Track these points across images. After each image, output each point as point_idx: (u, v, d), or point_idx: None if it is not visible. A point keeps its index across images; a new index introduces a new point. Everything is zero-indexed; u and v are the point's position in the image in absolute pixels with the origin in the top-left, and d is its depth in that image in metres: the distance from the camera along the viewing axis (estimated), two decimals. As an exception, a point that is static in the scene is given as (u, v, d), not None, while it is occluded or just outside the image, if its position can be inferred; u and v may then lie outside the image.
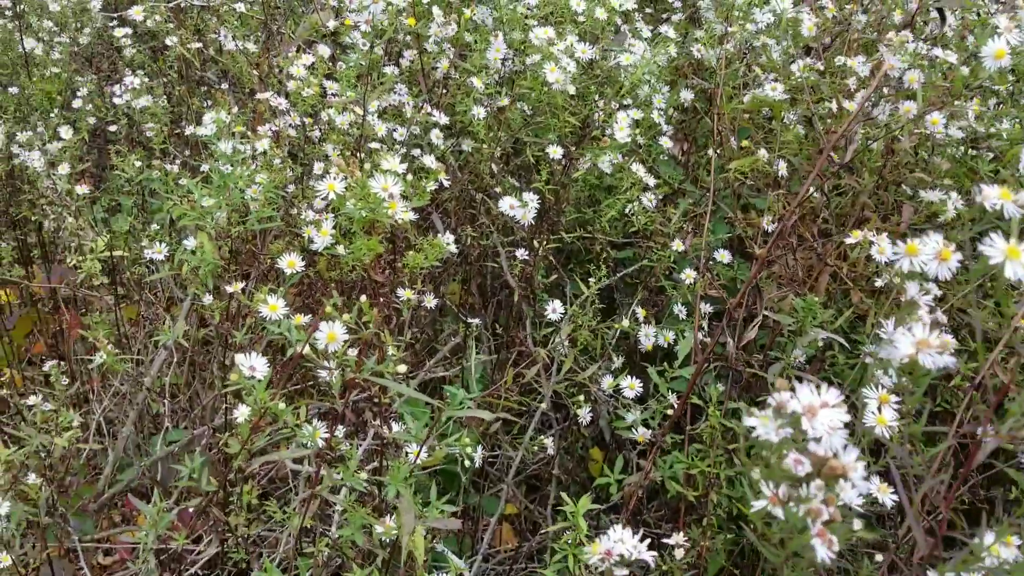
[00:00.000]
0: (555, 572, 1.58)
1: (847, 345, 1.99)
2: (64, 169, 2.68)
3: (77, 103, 3.01)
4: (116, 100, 2.50)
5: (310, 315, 1.52)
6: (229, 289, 1.56)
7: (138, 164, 2.77)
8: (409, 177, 1.43)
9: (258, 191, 1.82)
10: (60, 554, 2.33)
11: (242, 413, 1.44)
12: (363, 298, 1.39)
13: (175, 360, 2.83)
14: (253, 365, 1.28)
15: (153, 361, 2.77)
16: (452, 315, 2.67)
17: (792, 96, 2.06)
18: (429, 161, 1.60)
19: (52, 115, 3.09)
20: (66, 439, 2.10)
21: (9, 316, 3.49)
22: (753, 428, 0.80)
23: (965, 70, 1.65)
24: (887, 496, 0.95)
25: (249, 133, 1.93)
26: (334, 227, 1.48)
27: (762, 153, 1.99)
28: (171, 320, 2.98)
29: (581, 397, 2.04)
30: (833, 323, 2.02)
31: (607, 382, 2.06)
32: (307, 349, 1.39)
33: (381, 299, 1.49)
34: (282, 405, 1.42)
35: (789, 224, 1.70)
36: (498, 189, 2.37)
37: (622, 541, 0.96)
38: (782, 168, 2.02)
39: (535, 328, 2.53)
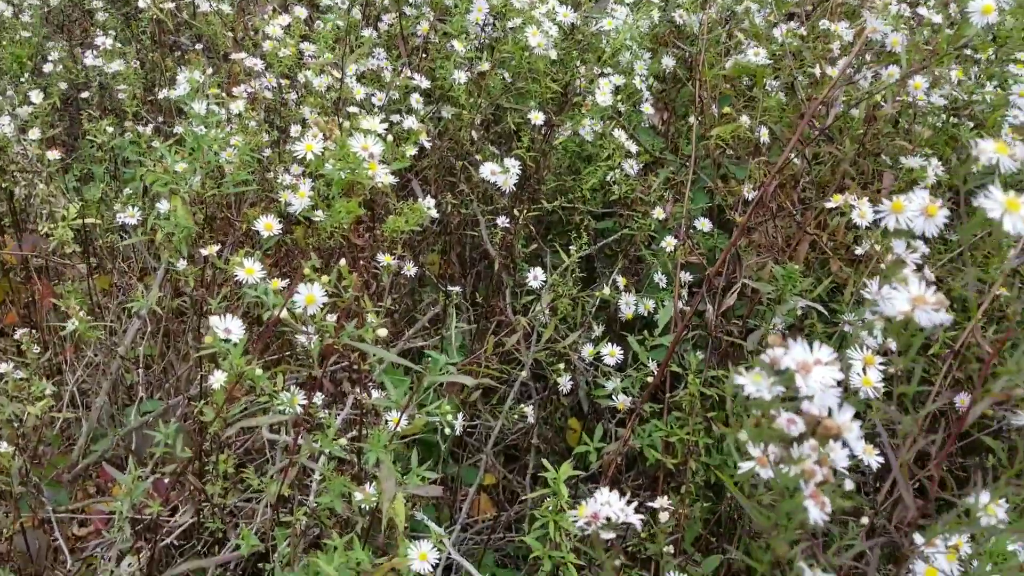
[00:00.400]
0: (535, 539, 1.57)
1: (826, 313, 1.99)
2: (35, 134, 2.62)
3: (48, 67, 2.95)
4: (88, 62, 2.43)
5: (287, 281, 1.50)
6: (204, 252, 1.53)
7: (110, 130, 2.72)
8: (389, 139, 1.40)
9: (233, 154, 1.79)
10: (34, 524, 2.30)
11: (217, 379, 1.41)
12: (342, 262, 1.37)
13: (149, 330, 2.80)
14: (228, 327, 1.26)
15: (126, 331, 2.73)
16: (431, 285, 2.64)
17: (775, 62, 2.04)
18: (411, 122, 1.57)
19: (22, 80, 3.03)
20: (39, 408, 2.06)
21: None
22: (741, 387, 0.79)
23: (948, 33, 1.64)
24: (872, 458, 0.95)
25: (224, 95, 1.89)
26: (312, 190, 1.45)
27: (744, 120, 1.98)
28: (145, 289, 2.94)
29: (561, 366, 2.03)
30: (812, 292, 2.01)
31: (587, 350, 2.05)
32: (284, 314, 1.36)
33: (361, 263, 1.47)
34: (259, 371, 1.40)
35: (770, 190, 1.68)
36: (478, 156, 2.34)
37: (609, 504, 0.95)
38: (764, 135, 2.00)
39: (515, 298, 2.51)
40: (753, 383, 0.75)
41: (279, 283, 1.42)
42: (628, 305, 2.12)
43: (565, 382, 2.07)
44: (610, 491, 1.08)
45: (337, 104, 1.94)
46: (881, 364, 0.96)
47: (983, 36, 1.50)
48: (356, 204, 1.37)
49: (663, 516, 1.04)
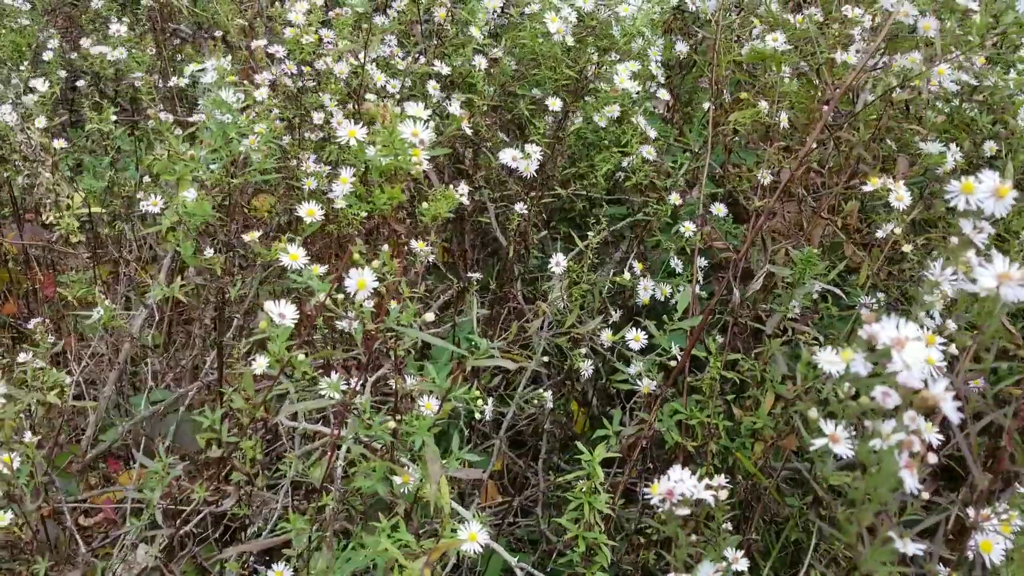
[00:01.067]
0: (570, 520, 1.59)
1: (843, 296, 2.02)
2: (41, 123, 2.60)
3: (48, 55, 2.93)
4: (102, 50, 2.40)
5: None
6: (246, 238, 1.53)
7: (114, 119, 2.70)
8: (432, 125, 1.41)
9: (256, 142, 1.78)
10: (48, 515, 2.29)
11: (259, 365, 1.42)
12: (385, 247, 1.38)
13: (157, 319, 2.79)
14: (282, 312, 1.26)
15: (133, 320, 2.72)
16: (438, 273, 2.65)
17: (793, 47, 2.06)
18: (454, 108, 1.57)
19: (22, 68, 3.00)
20: (52, 396, 2.06)
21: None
22: (818, 366, 0.81)
23: (977, 19, 1.66)
24: (932, 435, 0.97)
25: (245, 82, 1.88)
26: (353, 176, 1.46)
27: (763, 105, 2.00)
28: (150, 279, 2.93)
29: (583, 351, 2.04)
30: (826, 275, 2.04)
31: (607, 335, 2.06)
32: (320, 300, 1.37)
33: (403, 249, 1.48)
34: (301, 356, 1.41)
35: (797, 175, 1.70)
36: (488, 144, 2.34)
37: (683, 481, 0.97)
38: (783, 120, 2.02)
39: (525, 285, 2.52)
40: (842, 361, 0.77)
41: (319, 269, 1.43)
42: (646, 290, 2.14)
43: (587, 367, 2.09)
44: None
45: (357, 91, 1.94)
46: (941, 344, 0.97)
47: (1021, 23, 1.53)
48: (400, 190, 1.38)
49: (722, 494, 1.06)
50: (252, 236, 1.53)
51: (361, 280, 1.24)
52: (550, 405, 2.15)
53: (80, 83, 3.01)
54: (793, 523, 2.17)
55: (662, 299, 2.18)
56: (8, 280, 3.43)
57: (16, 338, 3.46)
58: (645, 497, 1.05)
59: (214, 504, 2.02)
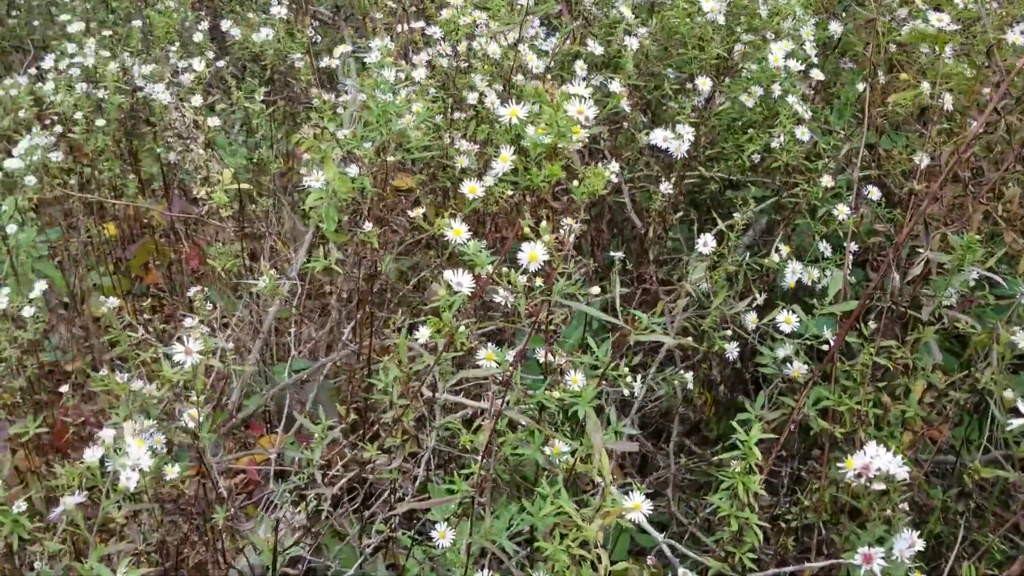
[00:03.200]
0: (722, 499, 1.59)
1: (1004, 284, 1.95)
2: (197, 101, 2.72)
3: (198, 37, 3.06)
4: (267, 32, 2.49)
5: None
6: (411, 214, 1.58)
7: (259, 99, 2.81)
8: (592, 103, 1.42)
9: (413, 121, 1.83)
10: (195, 475, 2.41)
11: (422, 335, 1.47)
12: (543, 223, 1.40)
13: (299, 291, 2.89)
14: (460, 281, 1.30)
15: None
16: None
17: (962, 28, 1.99)
18: (615, 86, 1.59)
19: (173, 49, 3.14)
20: (214, 360, 2.16)
21: (124, 248, 3.58)
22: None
23: None
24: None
25: (402, 63, 1.93)
26: (515, 154, 1.49)
27: (925, 86, 1.94)
28: (293, 252, 3.04)
29: (728, 332, 2.03)
30: (985, 262, 1.98)
31: (751, 318, 2.04)
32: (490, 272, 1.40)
33: (558, 225, 1.50)
34: (462, 328, 1.44)
35: (965, 158, 1.65)
36: (625, 124, 2.34)
37: (879, 456, 0.97)
38: (947, 102, 1.96)
39: (659, 267, 2.51)
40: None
41: (476, 243, 1.46)
42: (794, 273, 2.11)
43: (732, 349, 2.07)
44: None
45: (509, 71, 1.97)
46: None
47: None
48: (559, 167, 1.40)
49: (901, 473, 1.05)
50: (417, 213, 1.58)
51: (533, 252, 1.27)
52: (691, 386, 2.15)
53: (220, 63, 3.13)
54: (936, 516, 2.12)
55: (808, 283, 2.15)
56: (155, 251, 3.61)
57: (155, 307, 3.65)
58: (841, 468, 1.04)
59: (368, 466, 2.10)
